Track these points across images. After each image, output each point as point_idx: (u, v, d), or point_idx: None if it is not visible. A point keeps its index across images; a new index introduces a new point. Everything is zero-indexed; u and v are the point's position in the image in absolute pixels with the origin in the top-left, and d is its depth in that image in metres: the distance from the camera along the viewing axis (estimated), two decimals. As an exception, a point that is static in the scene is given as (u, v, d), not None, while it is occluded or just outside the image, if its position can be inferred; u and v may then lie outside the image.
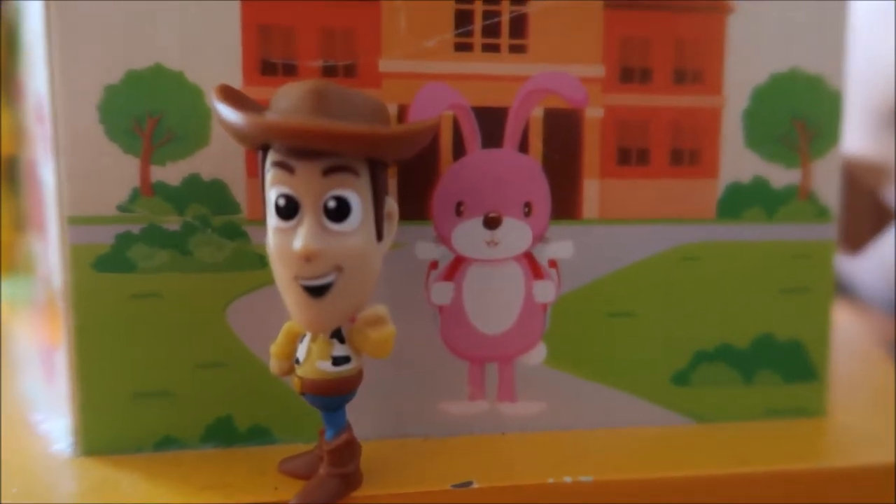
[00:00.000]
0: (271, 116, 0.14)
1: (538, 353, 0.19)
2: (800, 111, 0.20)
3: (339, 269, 0.15)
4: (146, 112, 0.17)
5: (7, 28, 0.22)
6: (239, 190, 0.18)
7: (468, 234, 0.19)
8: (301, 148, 0.14)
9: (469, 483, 0.17)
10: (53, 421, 0.19)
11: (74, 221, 0.17)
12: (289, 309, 0.16)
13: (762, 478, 0.18)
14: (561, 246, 0.19)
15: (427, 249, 0.19)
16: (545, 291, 0.19)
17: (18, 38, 0.21)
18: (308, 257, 0.14)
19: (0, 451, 0.18)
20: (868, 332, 0.28)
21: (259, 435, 0.18)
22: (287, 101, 0.15)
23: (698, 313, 0.20)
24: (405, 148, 0.15)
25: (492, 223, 0.19)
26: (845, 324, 0.28)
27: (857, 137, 0.34)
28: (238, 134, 0.15)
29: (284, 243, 0.15)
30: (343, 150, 0.14)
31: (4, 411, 0.20)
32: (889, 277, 0.34)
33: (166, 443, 0.18)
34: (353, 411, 0.17)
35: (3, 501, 0.16)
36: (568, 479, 0.17)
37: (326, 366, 0.15)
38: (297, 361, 0.16)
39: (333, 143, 0.14)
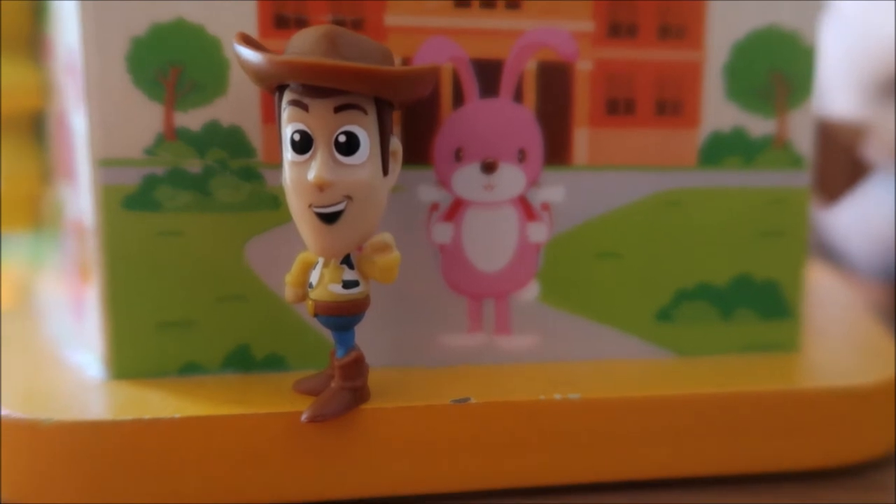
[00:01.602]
0: (286, 56, 0.16)
1: (532, 290, 0.21)
2: (776, 65, 0.21)
3: (349, 198, 0.16)
4: (169, 62, 0.18)
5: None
6: (255, 136, 0.19)
7: (466, 179, 0.20)
8: (315, 86, 0.16)
9: (467, 399, 0.19)
10: (83, 354, 0.21)
11: (105, 163, 0.19)
12: (303, 236, 0.17)
13: (737, 397, 0.20)
14: (553, 190, 0.21)
15: (428, 192, 0.20)
16: (538, 232, 0.21)
17: (46, 2, 0.22)
18: (321, 186, 0.16)
19: (36, 379, 0.20)
20: (853, 293, 0.29)
21: (274, 363, 0.20)
22: (301, 44, 0.16)
23: (680, 254, 0.21)
24: (408, 87, 0.17)
25: (488, 168, 0.20)
26: (830, 285, 0.29)
27: (847, 108, 0.36)
28: (258, 74, 0.16)
29: (299, 175, 0.16)
30: (353, 87, 0.16)
31: (36, 349, 0.22)
32: (875, 244, 0.35)
33: (189, 369, 0.20)
34: (360, 343, 0.18)
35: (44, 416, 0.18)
36: (558, 397, 0.19)
37: (337, 288, 0.17)
38: (311, 286, 0.17)
39: (344, 80, 0.15)
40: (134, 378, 0.19)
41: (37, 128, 0.24)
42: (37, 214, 0.25)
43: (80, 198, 0.20)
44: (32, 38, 0.23)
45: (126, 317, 0.19)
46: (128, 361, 0.19)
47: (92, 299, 0.20)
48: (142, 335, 0.19)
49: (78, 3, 0.18)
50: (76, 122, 0.20)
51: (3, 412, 0.18)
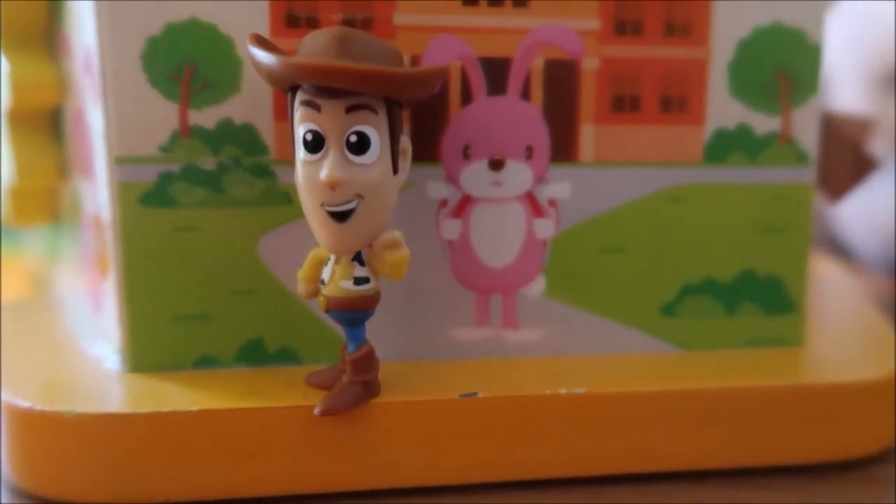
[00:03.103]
0: (299, 59, 0.16)
1: (538, 285, 0.21)
2: (781, 63, 0.21)
3: (359, 196, 0.17)
4: (184, 61, 0.19)
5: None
6: (267, 133, 0.19)
7: (475, 175, 0.20)
8: (327, 87, 0.16)
9: (475, 393, 0.19)
10: (101, 345, 0.21)
11: (121, 161, 0.19)
12: (315, 234, 0.18)
13: (740, 391, 0.20)
14: (559, 186, 0.21)
15: (437, 189, 0.20)
16: (545, 228, 0.21)
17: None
18: (333, 185, 0.16)
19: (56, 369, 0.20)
20: (858, 286, 0.30)
21: (287, 356, 0.20)
22: (313, 45, 0.16)
23: (685, 249, 0.21)
24: (417, 88, 0.17)
25: (496, 165, 0.20)
26: (834, 277, 0.30)
27: (852, 100, 0.36)
28: (272, 75, 0.17)
29: (312, 174, 0.17)
30: (363, 88, 0.16)
31: (56, 340, 0.22)
32: (880, 237, 0.35)
33: (203, 362, 0.20)
34: (370, 336, 0.19)
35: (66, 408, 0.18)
36: (563, 391, 0.19)
37: (349, 285, 0.17)
38: (323, 282, 0.18)
39: (355, 81, 0.16)
40: (150, 370, 0.20)
41: (53, 122, 0.24)
42: (53, 208, 0.26)
43: (97, 194, 0.21)
44: (48, 34, 0.24)
45: (143, 310, 0.20)
46: (144, 354, 0.20)
47: (110, 293, 0.20)
48: (158, 328, 0.20)
49: (94, 2, 0.19)
50: (93, 120, 0.20)
51: (26, 404, 0.18)
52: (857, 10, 0.35)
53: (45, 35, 0.24)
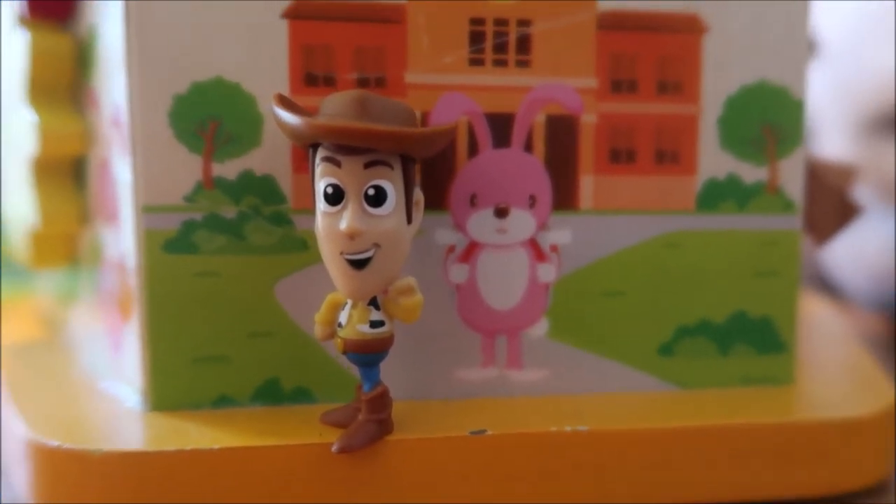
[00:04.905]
0: (322, 120, 0.17)
1: (541, 327, 0.22)
2: (767, 118, 0.23)
3: (377, 245, 0.18)
4: (208, 117, 0.20)
5: (79, 44, 0.25)
6: (286, 184, 0.21)
7: (480, 223, 0.22)
8: (346, 145, 0.17)
9: (483, 431, 0.20)
10: (120, 385, 0.22)
11: (147, 210, 0.20)
12: (334, 280, 0.19)
13: (736, 428, 0.21)
14: (561, 233, 0.22)
15: (445, 235, 0.22)
16: (547, 273, 0.22)
17: (92, 54, 0.24)
18: (352, 236, 0.18)
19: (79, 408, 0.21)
20: (845, 325, 0.31)
21: (302, 395, 0.21)
22: (334, 107, 0.18)
23: (680, 293, 0.23)
24: (429, 146, 0.18)
25: (501, 213, 0.22)
26: (824, 317, 0.31)
27: (839, 145, 0.37)
28: (294, 134, 0.18)
29: (332, 224, 0.18)
30: (380, 146, 0.17)
31: (74, 381, 0.23)
32: (870, 275, 0.37)
33: (221, 401, 0.21)
34: (383, 376, 0.19)
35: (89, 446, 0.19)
36: (567, 429, 0.20)
37: (365, 328, 0.18)
38: (340, 325, 0.19)
39: (373, 141, 0.17)
40: (170, 410, 0.21)
41: (76, 171, 0.26)
42: (72, 252, 0.26)
43: (121, 240, 0.22)
44: (75, 89, 0.25)
45: (164, 352, 0.20)
46: (165, 394, 0.21)
47: (131, 335, 0.21)
48: (178, 369, 0.21)
49: (124, 64, 0.20)
50: (120, 172, 0.21)
51: (54, 443, 0.19)
52: (843, 58, 0.36)
53: (71, 89, 0.25)
